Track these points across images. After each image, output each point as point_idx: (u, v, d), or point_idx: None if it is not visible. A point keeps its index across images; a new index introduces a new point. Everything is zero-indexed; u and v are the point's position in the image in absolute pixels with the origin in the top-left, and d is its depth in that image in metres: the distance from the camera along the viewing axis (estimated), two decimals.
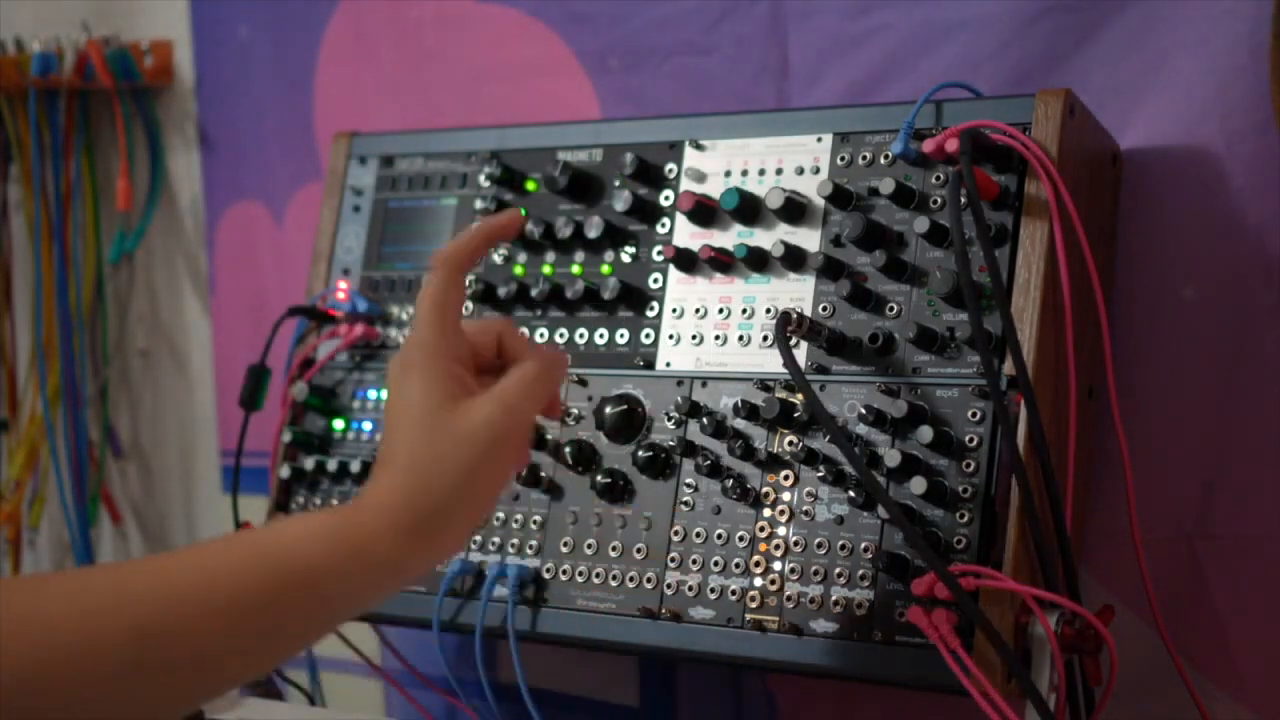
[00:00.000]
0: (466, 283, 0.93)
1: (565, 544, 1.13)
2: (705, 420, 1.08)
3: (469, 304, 1.22)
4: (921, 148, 1.04)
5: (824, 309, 1.07)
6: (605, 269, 1.17)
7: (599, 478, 1.12)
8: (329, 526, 0.80)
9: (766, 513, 1.05)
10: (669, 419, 1.11)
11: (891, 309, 1.05)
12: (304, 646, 0.84)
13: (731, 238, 1.12)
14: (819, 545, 1.03)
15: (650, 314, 1.15)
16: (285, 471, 1.26)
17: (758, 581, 1.04)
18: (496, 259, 1.22)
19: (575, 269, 1.19)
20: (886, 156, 1.07)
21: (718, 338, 1.11)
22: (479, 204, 1.23)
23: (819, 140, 1.11)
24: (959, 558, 0.98)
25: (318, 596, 0.79)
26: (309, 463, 1.25)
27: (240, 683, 0.81)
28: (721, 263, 1.11)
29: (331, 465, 1.24)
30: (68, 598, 0.74)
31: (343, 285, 1.29)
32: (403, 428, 0.84)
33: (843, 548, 1.02)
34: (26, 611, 0.72)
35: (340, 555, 0.79)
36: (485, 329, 0.91)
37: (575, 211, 1.20)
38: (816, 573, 1.03)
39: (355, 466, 1.22)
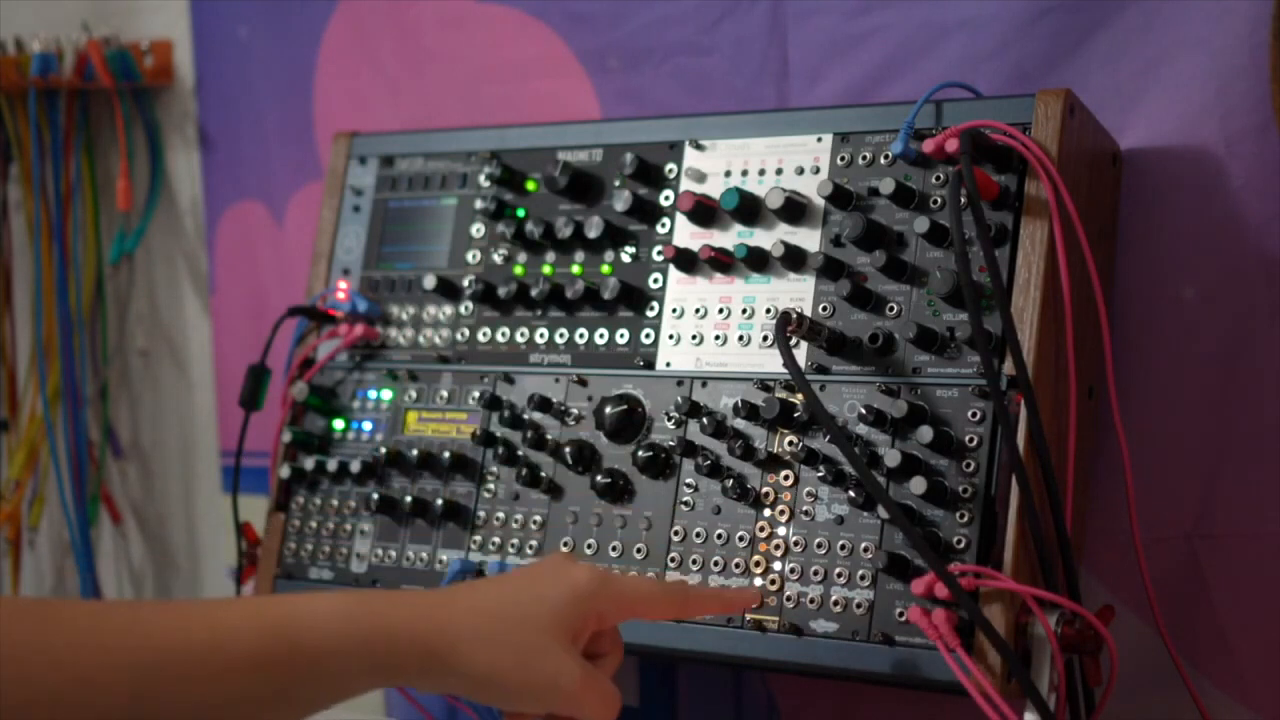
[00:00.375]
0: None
1: (565, 544, 1.13)
2: (705, 420, 1.08)
3: (469, 304, 1.23)
4: (921, 148, 1.04)
5: (824, 309, 1.07)
6: (605, 269, 1.17)
7: (599, 478, 1.12)
8: (350, 608, 0.82)
9: (766, 513, 1.05)
10: (669, 419, 1.11)
11: (891, 309, 1.05)
12: (306, 715, 0.84)
13: (731, 238, 1.12)
14: (819, 545, 1.03)
15: (650, 314, 1.15)
16: (285, 471, 1.26)
17: (758, 581, 1.04)
18: (497, 259, 1.22)
19: (575, 269, 1.19)
20: (886, 156, 1.07)
21: (718, 338, 1.11)
22: (479, 204, 1.23)
23: (819, 140, 1.11)
24: (959, 558, 0.98)
25: (324, 674, 0.80)
26: (309, 463, 1.25)
27: None
28: (721, 263, 1.11)
29: (331, 465, 1.24)
30: (76, 630, 0.74)
31: (343, 285, 1.29)
32: (524, 599, 0.86)
33: (843, 548, 1.02)
34: (32, 640, 0.73)
35: (354, 641, 0.81)
36: (666, 600, 0.96)
37: (575, 211, 1.20)
38: (816, 573, 1.02)
39: (355, 467, 1.22)
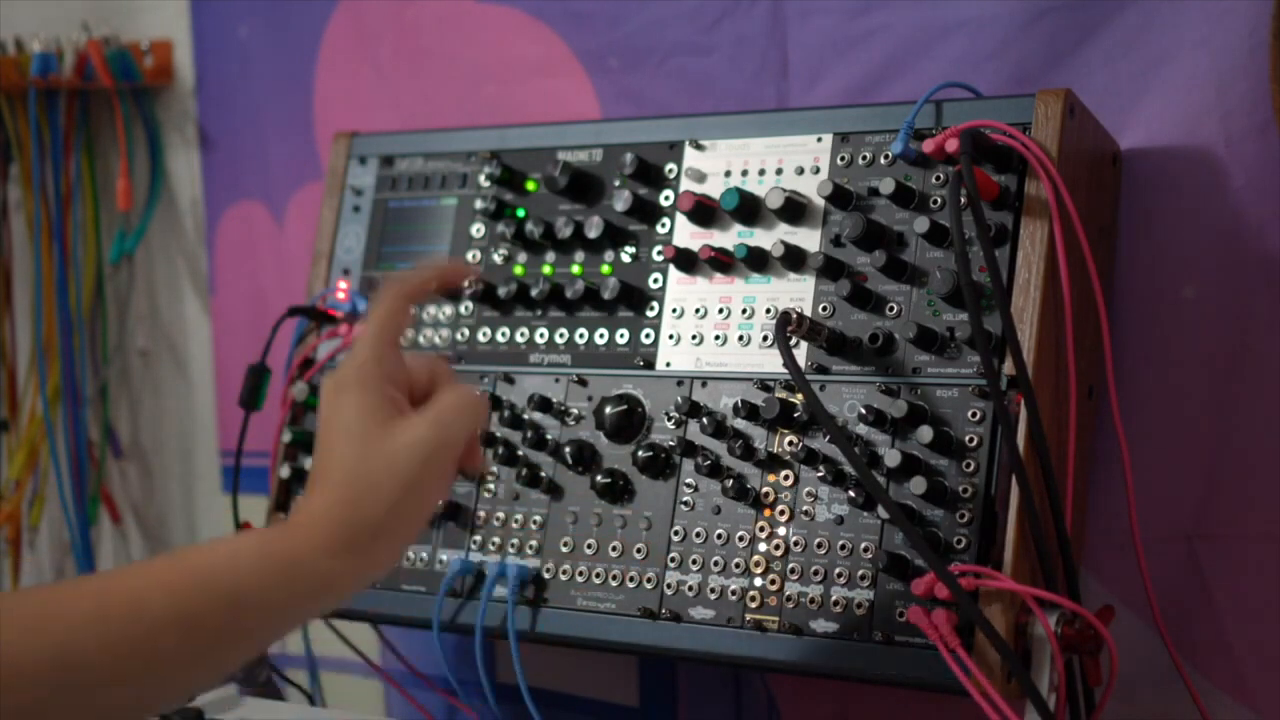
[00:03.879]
0: (412, 312, 0.94)
1: (565, 544, 1.13)
2: (705, 420, 1.08)
3: (469, 303, 1.23)
4: (921, 148, 1.04)
5: (824, 309, 1.07)
6: (605, 269, 1.17)
7: (599, 478, 1.12)
8: (259, 545, 0.81)
9: (766, 513, 1.05)
10: (669, 419, 1.11)
11: (891, 309, 1.05)
12: (239, 663, 0.84)
13: (731, 238, 1.12)
14: (819, 545, 1.03)
15: (650, 314, 1.15)
16: (285, 471, 1.26)
17: (758, 581, 1.04)
18: (497, 259, 1.22)
19: (575, 269, 1.19)
20: (886, 156, 1.07)
21: (718, 338, 1.11)
22: (479, 204, 1.23)
23: (819, 140, 1.11)
24: (959, 558, 0.98)
25: (247, 615, 0.79)
26: (309, 463, 1.25)
27: (175, 698, 0.82)
28: (721, 263, 1.11)
29: None
30: None
31: (343, 285, 1.29)
32: (337, 446, 0.84)
33: (843, 548, 1.02)
34: None
35: (270, 574, 0.80)
36: (421, 363, 0.91)
37: (575, 211, 1.20)
38: (816, 573, 1.03)
39: None
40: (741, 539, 1.06)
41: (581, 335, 1.17)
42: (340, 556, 0.82)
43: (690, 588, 1.07)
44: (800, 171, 1.11)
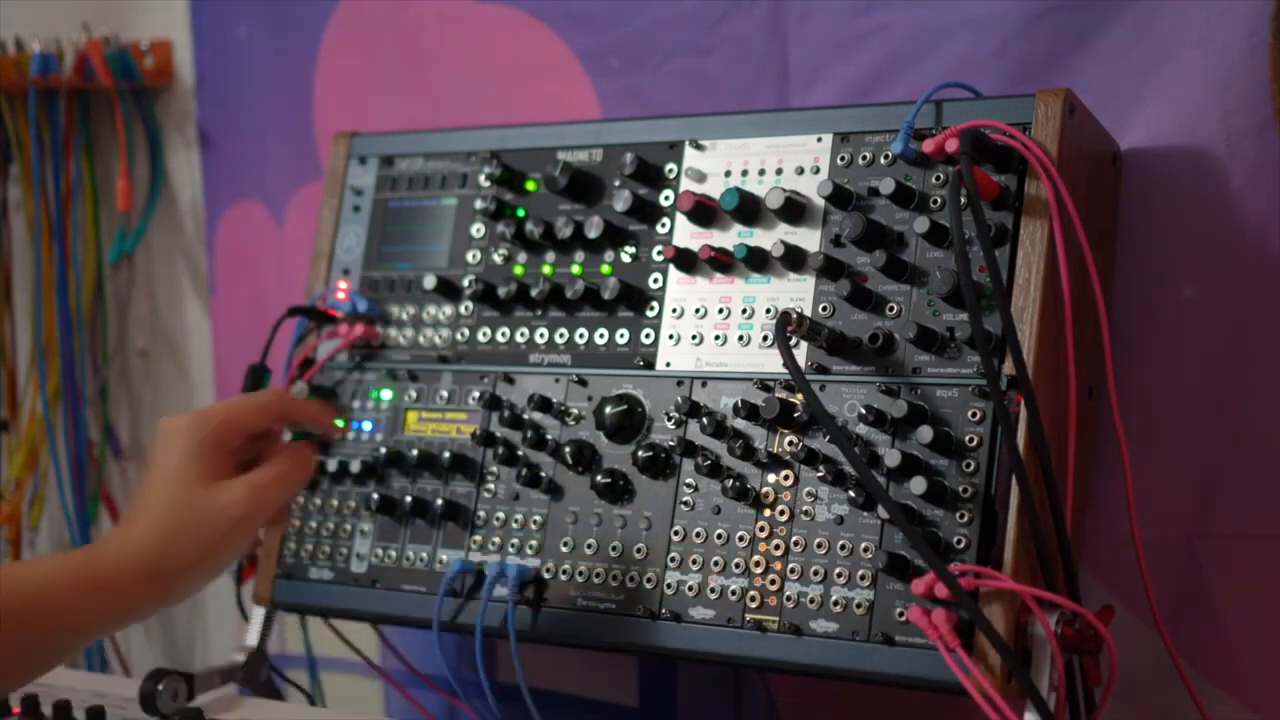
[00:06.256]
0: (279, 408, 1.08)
1: (565, 544, 1.13)
2: (705, 420, 1.08)
3: (469, 303, 1.23)
4: (921, 148, 1.04)
5: (824, 309, 1.07)
6: (605, 269, 1.17)
7: (599, 478, 1.12)
8: (77, 563, 0.94)
9: (766, 513, 1.05)
10: (669, 419, 1.11)
11: (891, 309, 1.05)
12: (51, 666, 0.96)
13: (731, 238, 1.12)
14: (819, 545, 1.03)
15: (650, 314, 1.15)
16: None
17: (758, 581, 1.04)
18: (497, 259, 1.22)
19: (575, 269, 1.19)
20: (886, 156, 1.07)
21: (718, 338, 1.11)
22: (479, 204, 1.23)
23: (819, 140, 1.11)
24: (959, 558, 0.98)
25: (59, 622, 0.91)
26: None
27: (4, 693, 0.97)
28: (721, 263, 1.11)
29: (331, 465, 1.24)
30: None
31: (343, 285, 1.29)
32: (160, 489, 0.97)
33: (843, 548, 1.02)
34: None
35: (83, 589, 0.92)
36: (263, 408, 1.04)
37: (575, 211, 1.20)
38: (816, 573, 1.03)
39: (355, 467, 1.22)
40: (741, 539, 1.06)
41: (581, 335, 1.17)
42: (146, 585, 0.95)
43: (690, 588, 1.07)
44: (800, 171, 1.11)
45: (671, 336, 1.13)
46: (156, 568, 0.95)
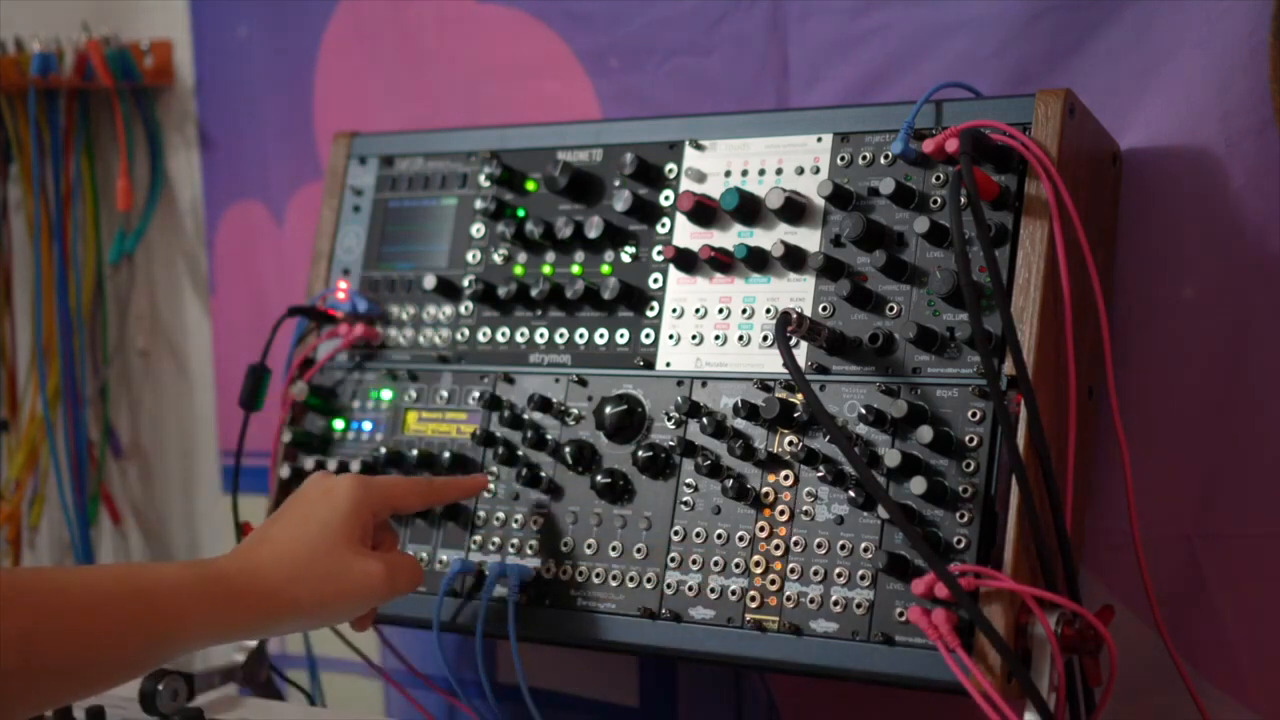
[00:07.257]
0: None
1: (565, 544, 1.13)
2: (705, 420, 1.08)
3: (469, 304, 1.23)
4: (921, 148, 1.04)
5: (824, 309, 1.07)
6: (605, 269, 1.17)
7: (599, 478, 1.12)
8: (191, 572, 0.95)
9: (766, 513, 1.05)
10: (669, 419, 1.11)
11: (891, 309, 1.05)
12: (145, 670, 0.97)
13: (731, 238, 1.12)
14: (819, 545, 1.03)
15: (650, 314, 1.15)
16: (285, 471, 1.26)
17: (758, 581, 1.04)
18: (497, 259, 1.22)
19: (575, 269, 1.19)
20: (886, 156, 1.07)
21: (718, 338, 1.11)
22: (479, 204, 1.23)
23: (819, 140, 1.11)
24: (959, 558, 0.98)
25: (164, 625, 0.91)
26: (309, 463, 1.25)
27: (110, 687, 0.94)
28: (721, 263, 1.11)
29: (331, 465, 1.24)
30: None
31: (343, 285, 1.29)
32: (303, 534, 0.99)
33: (843, 548, 1.02)
34: None
35: (196, 595, 0.93)
36: (424, 497, 1.10)
37: (575, 211, 1.20)
38: (816, 573, 1.03)
39: (355, 466, 1.22)
40: (741, 539, 1.06)
41: (581, 335, 1.17)
42: (257, 607, 0.96)
43: (690, 588, 1.07)
44: (800, 171, 1.11)
45: (671, 336, 1.13)
46: (274, 594, 0.96)
